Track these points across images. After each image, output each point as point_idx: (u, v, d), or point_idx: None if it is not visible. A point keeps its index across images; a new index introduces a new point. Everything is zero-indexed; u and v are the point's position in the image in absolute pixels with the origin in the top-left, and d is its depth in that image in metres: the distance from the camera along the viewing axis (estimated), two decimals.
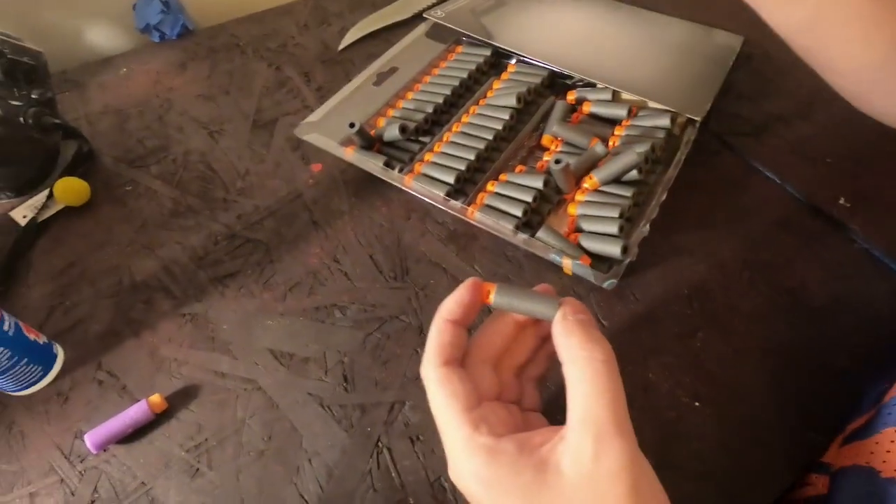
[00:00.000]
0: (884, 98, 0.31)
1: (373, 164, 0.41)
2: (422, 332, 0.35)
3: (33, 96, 0.40)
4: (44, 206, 0.42)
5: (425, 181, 0.40)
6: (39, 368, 0.33)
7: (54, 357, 0.34)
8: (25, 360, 0.32)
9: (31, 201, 0.42)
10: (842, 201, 0.41)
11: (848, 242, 0.39)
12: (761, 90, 0.50)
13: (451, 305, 0.25)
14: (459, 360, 0.25)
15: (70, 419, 0.32)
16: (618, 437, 0.20)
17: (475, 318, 0.26)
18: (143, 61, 0.56)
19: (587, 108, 0.45)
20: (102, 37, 0.59)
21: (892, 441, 0.26)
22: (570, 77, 0.47)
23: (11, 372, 0.31)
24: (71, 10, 0.57)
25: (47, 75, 0.41)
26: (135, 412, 0.31)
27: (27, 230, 0.40)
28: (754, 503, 0.29)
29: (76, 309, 0.37)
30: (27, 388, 0.33)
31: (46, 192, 0.42)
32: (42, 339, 0.33)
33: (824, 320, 0.35)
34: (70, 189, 0.42)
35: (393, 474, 0.30)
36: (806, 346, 0.34)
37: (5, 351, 0.30)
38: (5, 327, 0.30)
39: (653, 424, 0.31)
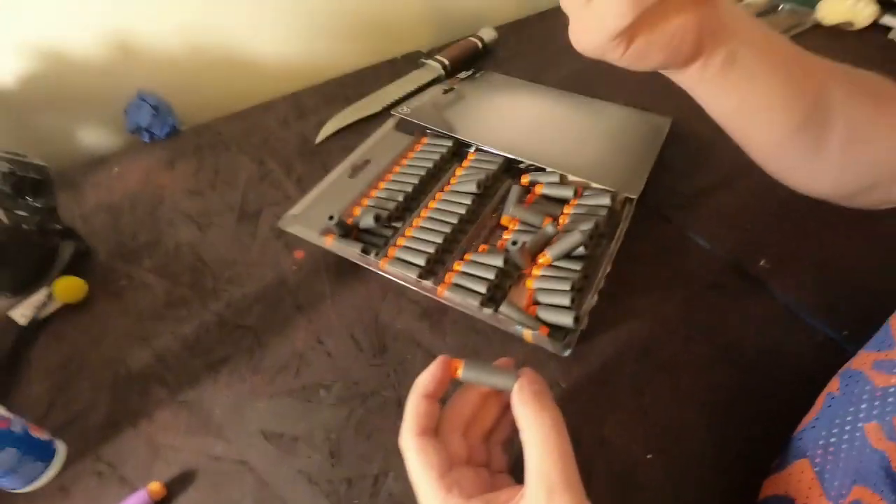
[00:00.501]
0: (802, 179, 0.37)
1: (351, 250, 0.46)
2: (400, 405, 0.39)
3: (37, 205, 0.44)
4: (43, 305, 0.45)
5: (399, 264, 0.45)
6: (42, 465, 0.35)
7: (54, 452, 0.36)
8: (31, 457, 0.34)
9: (31, 300, 0.45)
10: (762, 263, 0.47)
11: (770, 300, 0.45)
12: (690, 165, 0.57)
13: (424, 381, 0.29)
14: (433, 429, 0.29)
15: None
16: (567, 491, 0.24)
17: (446, 391, 0.30)
18: (134, 160, 0.61)
19: (539, 189, 0.51)
20: (95, 137, 0.64)
21: (803, 471, 0.30)
22: (523, 162, 0.54)
23: (18, 471, 0.33)
24: (65, 114, 0.62)
25: (52, 186, 0.45)
26: (135, 502, 0.33)
27: (28, 329, 0.43)
28: None
29: (75, 402, 0.40)
30: (30, 484, 0.35)
31: (46, 291, 0.45)
32: (45, 436, 0.36)
33: (755, 371, 0.40)
34: (69, 288, 0.45)
35: None
36: (741, 394, 0.39)
37: (14, 451, 0.32)
38: (14, 428, 0.33)
39: (609, 477, 0.35)
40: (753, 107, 0.34)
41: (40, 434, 0.35)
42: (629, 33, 0.27)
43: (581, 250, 0.44)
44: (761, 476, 0.35)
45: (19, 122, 0.60)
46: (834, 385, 0.33)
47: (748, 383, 0.39)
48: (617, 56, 0.28)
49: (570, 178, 0.51)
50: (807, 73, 0.33)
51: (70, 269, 0.48)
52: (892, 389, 0.29)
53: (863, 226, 0.49)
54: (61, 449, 0.37)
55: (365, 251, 0.46)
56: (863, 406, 0.30)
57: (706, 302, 0.44)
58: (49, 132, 0.62)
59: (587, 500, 0.25)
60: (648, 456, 0.36)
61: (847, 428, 0.30)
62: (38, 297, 0.45)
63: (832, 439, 0.30)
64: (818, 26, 0.78)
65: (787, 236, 0.49)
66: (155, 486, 0.34)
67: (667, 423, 0.37)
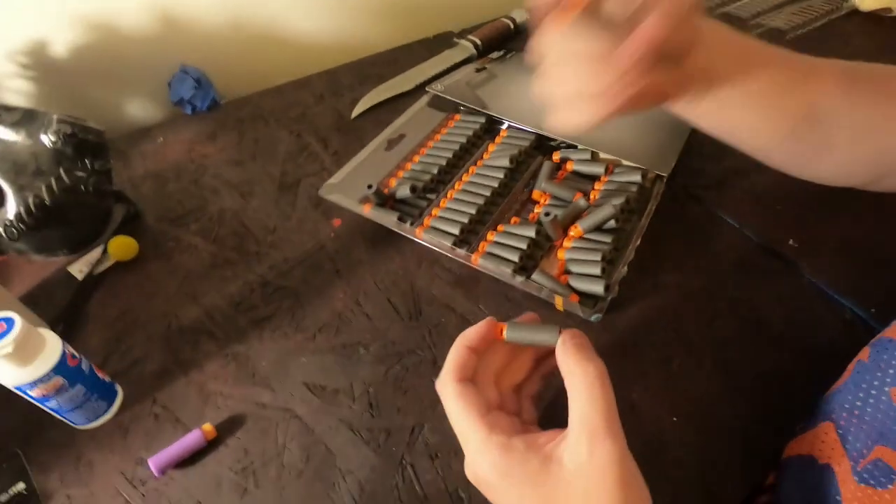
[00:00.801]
0: (811, 172, 0.39)
1: (388, 219, 0.48)
2: (436, 364, 0.41)
3: (95, 168, 0.46)
4: (98, 262, 0.48)
5: (434, 233, 0.46)
6: (105, 404, 0.37)
7: (116, 394, 0.39)
8: (95, 395, 0.36)
9: (86, 257, 0.48)
10: (791, 242, 0.48)
11: (798, 278, 0.45)
12: (720, 148, 0.57)
13: (471, 334, 0.31)
14: (471, 378, 0.31)
15: (131, 448, 0.37)
16: (608, 438, 0.26)
17: (485, 349, 0.32)
18: (178, 131, 0.63)
19: (570, 166, 0.53)
20: (141, 109, 0.67)
21: (826, 433, 0.31)
22: (555, 139, 0.55)
23: (84, 407, 0.36)
24: (114, 87, 0.65)
25: (107, 149, 0.48)
26: (190, 439, 0.36)
27: (85, 283, 0.46)
28: (731, 497, 0.34)
29: (131, 352, 0.42)
30: (93, 421, 0.37)
31: (101, 248, 0.48)
32: (106, 378, 0.38)
33: (782, 346, 0.41)
34: (122, 246, 0.48)
35: (416, 487, 0.35)
36: (767, 366, 0.40)
37: (82, 388, 0.35)
38: (83, 367, 0.35)
39: (639, 439, 0.36)
40: (729, 128, 0.36)
41: (103, 376, 0.38)
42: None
43: (612, 224, 0.45)
44: (785, 440, 0.36)
45: (73, 91, 0.62)
46: (864, 353, 0.33)
47: (775, 357, 0.40)
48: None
49: (602, 155, 0.52)
50: (791, 88, 0.34)
51: (122, 231, 0.50)
52: None
53: (890, 206, 0.49)
54: (120, 392, 0.39)
55: (401, 220, 0.48)
56: (890, 371, 0.31)
57: (734, 279, 0.45)
58: (99, 102, 0.65)
59: (627, 451, 0.26)
60: (674, 419, 0.37)
61: (873, 392, 0.31)
62: (94, 254, 0.48)
63: (858, 403, 0.31)
64: (855, 12, 0.77)
65: (816, 217, 0.49)
66: (207, 427, 0.37)
67: (693, 390, 0.39)
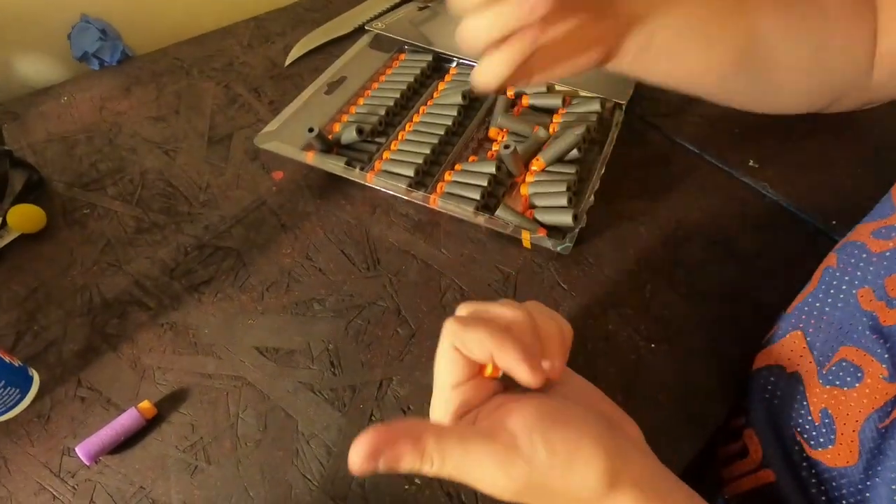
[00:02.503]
0: (767, 109, 0.38)
1: (334, 164, 0.43)
2: (400, 314, 0.37)
3: None
4: None
5: (387, 177, 0.43)
6: (17, 391, 0.32)
7: (30, 379, 0.33)
8: (2, 382, 0.31)
9: None
10: (751, 163, 0.47)
11: (760, 197, 0.45)
12: None
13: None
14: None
15: (55, 437, 0.32)
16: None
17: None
18: (85, 89, 0.55)
19: (526, 101, 0.50)
20: (38, 68, 0.58)
21: (795, 342, 0.31)
22: None
23: None
24: (1, 42, 0.56)
25: None
26: (125, 419, 0.31)
27: None
28: (711, 418, 0.33)
29: (46, 331, 0.37)
30: (5, 412, 0.32)
31: None
32: (16, 362, 0.33)
33: (749, 263, 0.40)
34: (24, 216, 0.41)
35: None
36: (736, 286, 0.39)
37: None
38: None
39: (617, 367, 0.35)
40: (676, 75, 0.36)
41: (11, 359, 0.32)
42: (521, 76, 0.30)
43: (574, 153, 0.43)
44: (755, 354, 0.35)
45: None
46: (831, 259, 0.33)
47: (743, 275, 0.40)
48: (523, 85, 0.30)
49: (558, 87, 0.50)
50: (729, 14, 0.33)
51: (23, 200, 0.43)
52: (887, 253, 0.30)
53: (845, 127, 0.49)
54: (36, 376, 0.34)
55: (349, 165, 0.43)
56: (857, 273, 0.30)
57: (698, 203, 0.44)
58: None
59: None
60: (652, 346, 0.36)
61: (841, 296, 0.31)
62: None
63: (826, 308, 0.31)
64: None
65: (773, 137, 0.49)
66: (145, 405, 0.32)
67: (666, 315, 0.38)
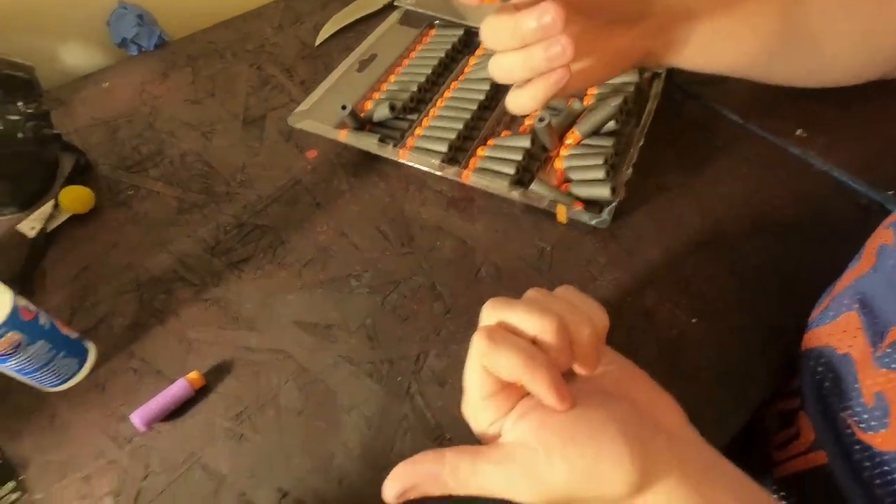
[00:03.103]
0: (805, 79, 0.37)
1: (367, 142, 0.43)
2: (435, 289, 0.38)
3: (29, 111, 0.41)
4: (50, 217, 0.43)
5: (420, 153, 0.43)
6: (75, 361, 0.34)
7: (86, 351, 0.35)
8: (62, 353, 0.33)
9: (37, 213, 0.43)
10: (799, 132, 0.45)
11: (808, 168, 0.43)
12: None
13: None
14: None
15: (111, 405, 0.34)
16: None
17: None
18: (124, 74, 0.57)
19: None
20: (79, 55, 0.60)
21: (849, 322, 0.29)
22: None
23: (50, 365, 0.32)
24: (44, 32, 0.58)
25: (39, 87, 0.42)
26: (176, 389, 0.33)
27: (38, 240, 0.41)
28: (754, 394, 0.32)
29: (98, 307, 0.38)
30: (65, 381, 0.34)
31: (52, 202, 0.43)
32: (74, 335, 0.34)
33: (797, 237, 0.39)
34: (75, 197, 0.43)
35: (428, 415, 0.32)
36: (779, 259, 0.38)
37: (44, 344, 0.31)
38: (41, 322, 0.31)
39: (657, 342, 0.34)
40: (721, 65, 0.36)
41: (70, 332, 0.34)
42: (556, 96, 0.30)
43: (611, 125, 0.42)
44: (803, 333, 0.34)
45: None
46: (887, 236, 0.31)
47: (789, 250, 0.38)
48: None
49: None
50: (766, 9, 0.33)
51: (72, 182, 0.45)
52: None
53: None
54: (92, 348, 0.36)
55: (382, 142, 0.44)
56: None
57: (740, 173, 0.43)
58: (29, 51, 0.57)
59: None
60: (693, 321, 0.35)
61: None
62: (45, 209, 0.43)
63: (882, 288, 0.29)
64: None
65: (823, 105, 0.46)
66: (194, 376, 0.33)
67: (708, 291, 0.37)
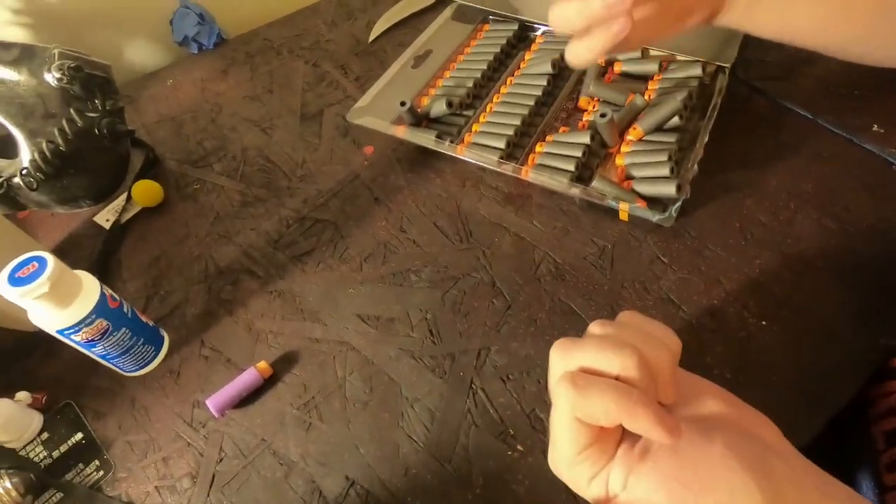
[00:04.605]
0: (883, 54, 0.34)
1: (425, 138, 0.44)
2: (494, 286, 0.38)
3: (106, 107, 0.43)
4: (123, 209, 0.45)
5: (477, 149, 0.43)
6: (152, 348, 0.36)
7: (162, 338, 0.37)
8: (142, 340, 0.34)
9: (111, 206, 0.45)
10: (875, 128, 0.43)
11: (886, 165, 0.41)
12: None
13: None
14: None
15: (185, 391, 0.35)
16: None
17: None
18: (187, 71, 0.59)
19: (618, 67, 0.47)
20: (144, 53, 0.62)
21: None
22: None
23: (131, 352, 0.34)
24: (112, 31, 0.60)
25: (115, 86, 0.44)
26: (247, 377, 0.34)
27: (113, 231, 0.43)
28: (829, 403, 0.31)
29: (171, 296, 0.40)
30: (143, 367, 0.36)
31: (124, 195, 0.45)
32: (150, 322, 0.36)
33: (874, 238, 0.37)
34: (146, 191, 0.45)
35: (490, 411, 0.33)
36: (859, 262, 0.36)
37: (127, 331, 0.33)
38: (125, 309, 0.33)
39: (724, 344, 0.34)
40: (792, 29, 0.33)
41: (147, 320, 0.36)
42: (618, 49, 0.30)
43: (675, 121, 0.41)
44: (891, 339, 0.32)
45: (68, 40, 0.58)
46: None
47: (864, 252, 0.37)
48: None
49: (653, 51, 0.47)
50: None
51: (142, 177, 0.47)
52: None
53: None
54: (166, 336, 0.37)
55: (440, 138, 0.44)
56: None
57: (812, 172, 0.41)
58: (99, 49, 0.60)
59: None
60: (763, 323, 0.34)
61: None
62: (118, 202, 0.45)
63: None
64: None
65: None
66: (263, 365, 0.34)
67: (778, 292, 0.35)
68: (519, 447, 0.31)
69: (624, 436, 0.23)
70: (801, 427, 0.31)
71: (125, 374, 0.36)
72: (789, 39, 0.34)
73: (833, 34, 0.33)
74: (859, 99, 0.45)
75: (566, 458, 0.22)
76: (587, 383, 0.20)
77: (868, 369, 0.32)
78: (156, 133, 0.53)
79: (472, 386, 0.34)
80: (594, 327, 0.23)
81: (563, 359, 0.22)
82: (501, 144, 0.42)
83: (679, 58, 0.46)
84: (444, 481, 0.31)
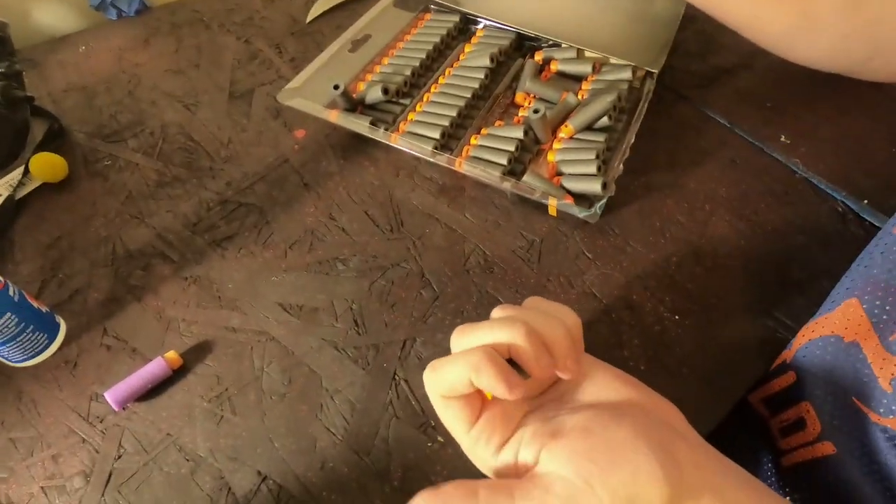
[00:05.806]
0: (802, 53, 0.37)
1: (359, 124, 0.43)
2: (422, 276, 0.37)
3: (1, 70, 0.39)
4: (20, 184, 0.41)
5: (412, 138, 0.42)
6: (45, 336, 0.32)
7: (57, 326, 0.34)
8: (31, 327, 0.31)
9: (5, 179, 0.41)
10: (783, 139, 0.46)
11: (791, 174, 0.44)
12: (706, 47, 0.55)
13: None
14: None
15: (82, 383, 0.32)
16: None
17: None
18: (103, 38, 0.54)
19: (554, 66, 0.48)
20: (54, 16, 0.57)
21: (850, 309, 0.30)
22: (537, 38, 0.50)
23: (19, 340, 0.31)
24: None
25: (12, 46, 0.40)
26: (153, 368, 0.31)
27: (5, 207, 0.39)
28: (732, 390, 0.33)
29: (71, 280, 0.37)
30: (34, 357, 0.32)
31: (21, 168, 0.41)
32: (44, 308, 0.33)
33: (778, 240, 0.40)
34: (47, 164, 0.41)
35: (413, 402, 0.32)
36: (765, 262, 0.39)
37: (12, 317, 0.30)
38: (10, 293, 0.30)
39: (641, 337, 0.35)
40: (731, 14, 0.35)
41: (40, 305, 0.32)
42: None
43: (604, 121, 0.42)
44: (787, 333, 0.35)
45: None
46: None
47: (771, 252, 0.39)
48: None
49: (588, 53, 0.48)
50: None
51: (44, 149, 0.43)
52: None
53: (881, 106, 0.48)
54: (62, 323, 0.34)
55: (374, 125, 0.43)
56: None
57: (727, 177, 0.43)
58: (0, 10, 0.54)
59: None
60: (676, 317, 0.36)
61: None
62: (14, 175, 0.41)
63: (883, 276, 0.29)
64: None
65: (807, 113, 0.48)
66: (171, 355, 0.32)
67: (692, 288, 0.37)
68: (440, 438, 0.31)
69: (533, 415, 0.24)
70: (706, 414, 0.33)
71: (12, 364, 0.32)
72: (720, 16, 0.36)
73: (759, 26, 0.35)
74: (771, 111, 0.48)
75: (463, 441, 0.23)
76: (442, 363, 0.22)
77: (767, 359, 0.35)
78: (63, 102, 0.48)
79: (396, 377, 0.33)
80: (496, 311, 0.25)
81: (460, 340, 0.23)
82: (437, 135, 0.42)
83: (612, 61, 0.48)
84: (362, 474, 0.30)
